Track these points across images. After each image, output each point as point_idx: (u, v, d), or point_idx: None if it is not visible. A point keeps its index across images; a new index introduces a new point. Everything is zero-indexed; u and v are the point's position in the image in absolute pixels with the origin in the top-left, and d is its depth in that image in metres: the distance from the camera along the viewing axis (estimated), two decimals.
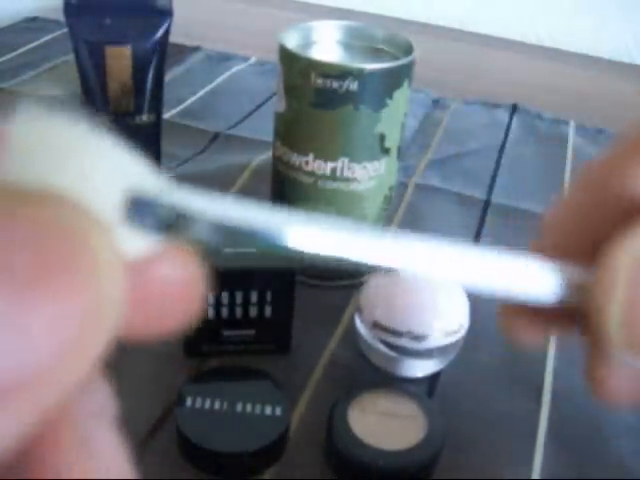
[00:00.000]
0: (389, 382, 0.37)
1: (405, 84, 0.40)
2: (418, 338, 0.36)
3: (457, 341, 0.37)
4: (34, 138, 0.11)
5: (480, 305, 0.43)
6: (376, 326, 0.37)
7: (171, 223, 0.13)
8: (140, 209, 0.12)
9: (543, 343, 0.19)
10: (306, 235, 0.15)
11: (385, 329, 0.36)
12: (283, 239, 0.14)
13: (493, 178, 0.60)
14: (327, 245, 0.15)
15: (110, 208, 0.12)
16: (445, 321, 0.36)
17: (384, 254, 0.15)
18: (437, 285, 0.37)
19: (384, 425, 0.33)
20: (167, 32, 0.39)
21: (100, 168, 0.12)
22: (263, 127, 0.61)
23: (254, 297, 0.37)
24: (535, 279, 0.17)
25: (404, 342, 0.36)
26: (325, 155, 0.40)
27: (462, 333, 0.38)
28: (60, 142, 0.12)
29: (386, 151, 0.41)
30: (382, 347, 0.37)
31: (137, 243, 0.12)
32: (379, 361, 0.38)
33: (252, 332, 0.38)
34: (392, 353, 0.37)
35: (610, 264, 0.16)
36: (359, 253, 0.15)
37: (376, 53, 0.42)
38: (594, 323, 0.16)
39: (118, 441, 0.14)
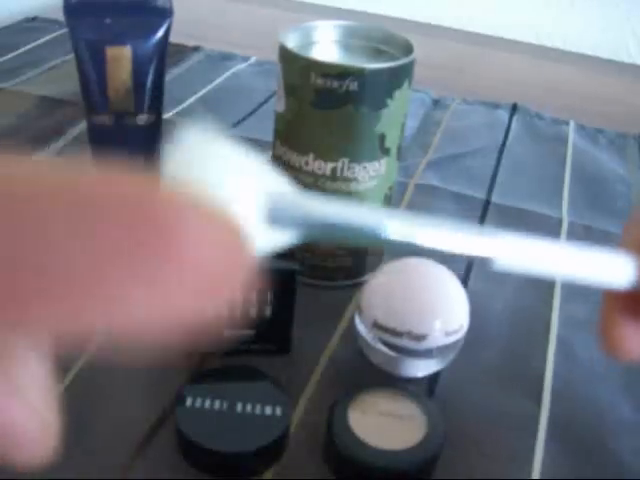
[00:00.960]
0: (389, 382, 0.37)
1: (405, 84, 0.40)
2: (418, 338, 0.36)
3: (457, 341, 0.37)
4: (193, 155, 0.14)
5: (480, 305, 0.43)
6: (376, 326, 0.37)
7: (299, 223, 0.16)
8: (274, 211, 0.15)
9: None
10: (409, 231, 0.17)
11: (385, 329, 0.36)
12: (386, 233, 0.17)
13: (493, 178, 0.60)
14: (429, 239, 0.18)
15: (253, 209, 0.15)
16: (445, 321, 0.36)
17: (482, 247, 0.18)
18: (437, 285, 0.37)
19: (384, 425, 0.33)
20: (167, 32, 0.39)
21: (246, 178, 0.15)
22: (263, 127, 0.61)
23: (254, 297, 0.37)
24: (613, 267, 0.20)
25: (404, 342, 0.36)
26: (325, 155, 0.40)
27: (462, 333, 0.38)
28: (214, 159, 0.15)
29: (386, 151, 0.41)
30: (382, 347, 0.37)
31: (271, 240, 0.15)
32: (379, 361, 0.38)
33: (252, 332, 0.38)
34: (392, 353, 0.37)
35: None
36: (459, 246, 0.18)
37: (376, 53, 0.42)
38: None
39: (44, 377, 0.14)
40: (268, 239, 0.15)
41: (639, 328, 0.20)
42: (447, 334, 0.36)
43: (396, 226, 0.17)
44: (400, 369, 0.38)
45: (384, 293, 0.37)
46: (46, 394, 0.15)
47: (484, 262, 0.18)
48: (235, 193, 0.14)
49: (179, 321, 0.13)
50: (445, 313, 0.37)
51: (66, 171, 0.13)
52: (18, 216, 0.12)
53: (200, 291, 0.13)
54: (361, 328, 0.38)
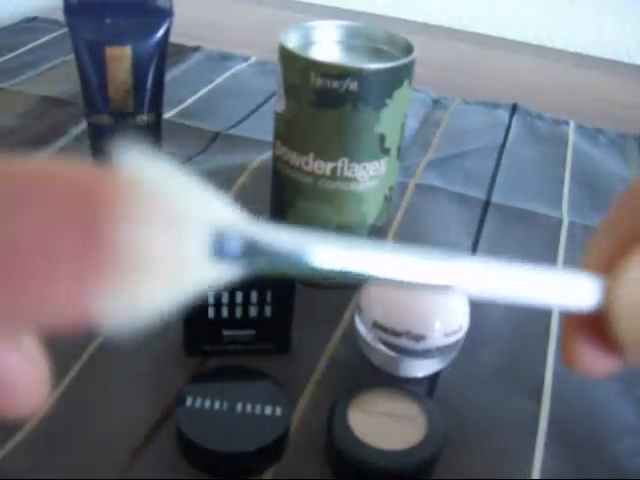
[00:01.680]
0: (389, 382, 0.37)
1: (405, 84, 0.40)
2: (418, 338, 0.36)
3: (457, 341, 0.37)
4: (137, 176, 0.13)
5: (480, 305, 0.43)
6: (376, 326, 0.37)
7: (245, 253, 0.15)
8: (220, 241, 0.14)
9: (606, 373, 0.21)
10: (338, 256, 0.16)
11: (385, 329, 0.36)
12: (312, 259, 0.16)
13: (493, 178, 0.60)
14: (358, 264, 0.16)
15: (198, 240, 0.14)
16: (445, 321, 0.36)
17: (424, 274, 0.17)
18: None
19: (384, 425, 0.33)
20: (167, 32, 0.39)
21: (189, 205, 0.14)
22: (263, 127, 0.61)
23: (254, 297, 0.37)
24: (572, 288, 0.19)
25: (404, 342, 0.36)
26: (325, 155, 0.40)
27: (462, 333, 0.38)
28: (157, 183, 0.14)
29: (386, 151, 0.41)
30: (382, 347, 0.37)
31: (217, 273, 0.14)
32: (379, 361, 0.38)
33: (252, 332, 0.38)
34: (392, 353, 0.37)
35: (620, 273, 0.18)
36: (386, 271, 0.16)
37: (376, 53, 0.42)
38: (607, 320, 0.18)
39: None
40: (211, 273, 0.14)
41: (597, 348, 0.20)
42: (447, 334, 0.36)
43: (326, 253, 0.16)
44: (400, 369, 0.38)
45: (384, 293, 0.37)
46: (37, 346, 0.15)
47: (441, 290, 0.17)
48: (177, 228, 0.14)
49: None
50: (445, 313, 0.37)
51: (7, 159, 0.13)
52: None
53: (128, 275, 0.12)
54: (361, 328, 0.38)
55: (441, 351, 0.37)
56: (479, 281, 0.17)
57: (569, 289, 0.18)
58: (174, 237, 0.13)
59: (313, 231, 0.16)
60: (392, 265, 0.16)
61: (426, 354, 0.37)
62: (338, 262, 0.16)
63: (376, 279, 0.16)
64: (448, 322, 0.37)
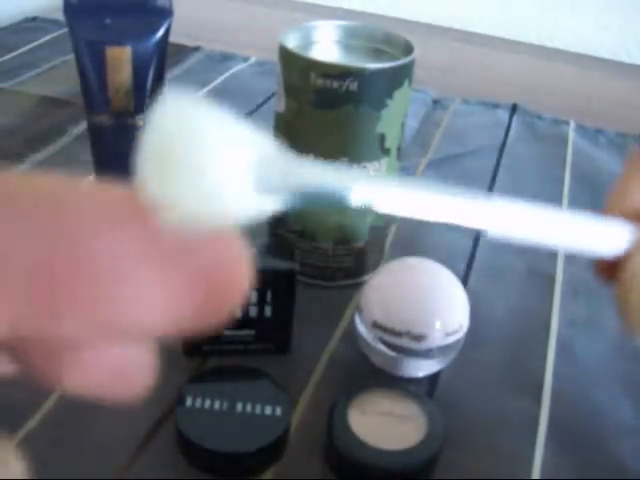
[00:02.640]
0: (389, 382, 0.37)
1: (405, 84, 0.40)
2: (418, 338, 0.36)
3: (457, 341, 0.37)
4: (174, 121, 0.14)
5: (480, 305, 0.43)
6: (376, 326, 0.37)
7: (284, 186, 0.15)
8: (262, 176, 0.15)
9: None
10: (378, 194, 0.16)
11: (385, 329, 0.36)
12: (350, 195, 0.16)
13: (493, 178, 0.60)
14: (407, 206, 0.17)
15: (240, 175, 0.14)
16: (445, 321, 0.36)
17: (462, 214, 0.18)
18: (437, 285, 0.37)
19: (384, 425, 0.33)
20: (167, 32, 0.39)
21: (230, 142, 0.14)
22: (263, 127, 0.61)
23: (254, 297, 0.37)
24: (606, 235, 0.20)
25: (404, 342, 0.36)
26: (325, 155, 0.40)
27: (462, 333, 0.38)
28: (196, 123, 0.14)
29: (386, 151, 0.41)
30: (382, 347, 0.37)
31: (261, 205, 0.15)
32: (379, 361, 0.38)
33: (252, 332, 0.38)
34: (392, 353, 0.37)
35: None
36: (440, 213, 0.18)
37: (376, 53, 0.42)
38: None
39: None
40: (255, 206, 0.15)
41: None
42: (447, 334, 0.36)
43: (364, 189, 0.16)
44: (400, 369, 0.38)
45: (384, 293, 0.37)
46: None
47: (477, 231, 0.18)
48: (218, 167, 0.14)
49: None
50: (445, 313, 0.37)
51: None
52: None
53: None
54: (361, 328, 0.38)
55: (441, 351, 0.37)
56: (515, 224, 0.18)
57: (601, 234, 0.20)
58: (217, 170, 0.14)
59: (351, 169, 0.16)
60: (426, 203, 0.17)
61: (426, 354, 0.37)
62: (374, 198, 0.16)
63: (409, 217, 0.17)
64: (448, 322, 0.37)
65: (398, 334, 0.36)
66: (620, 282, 0.20)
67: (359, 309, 0.38)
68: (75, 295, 0.12)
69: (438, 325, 0.36)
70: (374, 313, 0.37)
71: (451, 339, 0.37)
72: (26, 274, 0.12)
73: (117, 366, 0.15)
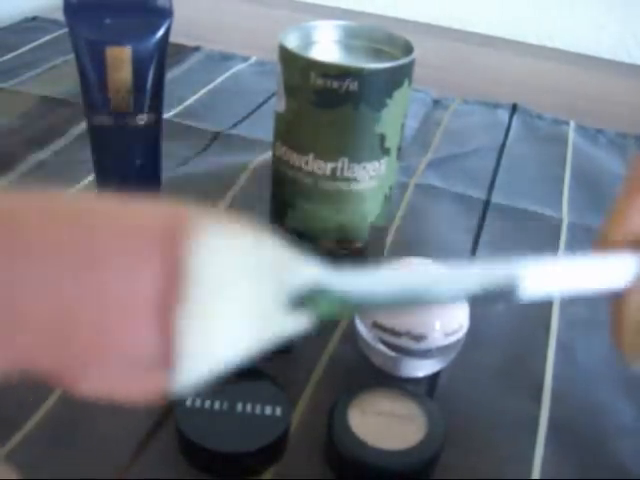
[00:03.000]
0: (389, 382, 0.37)
1: (405, 84, 0.40)
2: (418, 338, 0.36)
3: (457, 341, 0.37)
4: (216, 242, 0.14)
5: (479, 305, 0.43)
6: (376, 326, 0.37)
7: (316, 301, 0.15)
8: (295, 290, 0.15)
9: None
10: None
11: (385, 329, 0.36)
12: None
13: (493, 178, 0.60)
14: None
15: (276, 295, 0.15)
16: (445, 321, 0.36)
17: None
18: None
19: (384, 425, 0.33)
20: (167, 32, 0.39)
21: (267, 263, 0.15)
22: (263, 127, 0.61)
23: None
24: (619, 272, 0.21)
25: (404, 342, 0.36)
26: (325, 155, 0.40)
27: (462, 333, 0.38)
28: (236, 243, 0.15)
29: (386, 151, 0.41)
30: (382, 347, 0.37)
31: (294, 324, 0.15)
32: (379, 361, 0.38)
33: None
34: (392, 353, 0.37)
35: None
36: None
37: (376, 53, 0.42)
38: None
39: None
40: (287, 321, 0.15)
41: None
42: (447, 334, 0.36)
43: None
44: (400, 369, 0.38)
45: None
46: None
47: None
48: (255, 280, 0.14)
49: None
50: (445, 313, 0.37)
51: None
52: None
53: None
54: (361, 328, 0.38)
55: (441, 351, 0.37)
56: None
57: (606, 272, 0.20)
58: (250, 285, 0.14)
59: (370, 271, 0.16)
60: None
61: (426, 354, 0.37)
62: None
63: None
64: (448, 322, 0.37)
65: (398, 334, 0.36)
66: (618, 315, 0.20)
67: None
68: (94, 339, 0.12)
69: (438, 325, 0.36)
70: (374, 313, 0.37)
71: (451, 339, 0.37)
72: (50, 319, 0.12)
73: (123, 377, 0.15)
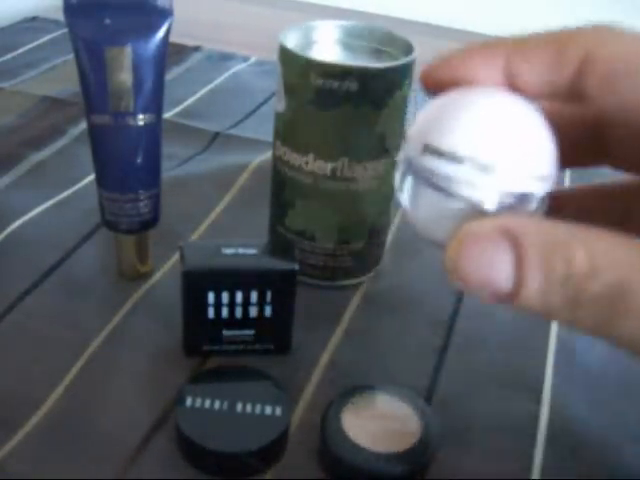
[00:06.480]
0: (383, 385, 0.37)
1: (405, 84, 0.40)
2: (486, 168, 0.22)
3: (542, 197, 0.23)
4: None
5: (480, 305, 0.43)
6: (428, 150, 0.23)
7: None
8: None
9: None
10: None
11: (440, 153, 0.23)
12: None
13: None
14: None
15: None
16: (529, 157, 0.23)
17: None
18: (521, 117, 0.23)
19: (378, 428, 0.33)
20: (167, 32, 0.39)
21: None
22: (263, 127, 0.61)
23: (254, 297, 0.37)
24: None
25: (466, 173, 0.22)
26: (325, 155, 0.40)
27: (548, 187, 0.23)
28: None
29: (386, 151, 0.41)
30: (430, 186, 0.23)
31: None
32: (422, 217, 0.24)
33: (252, 332, 0.38)
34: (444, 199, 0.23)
35: None
36: None
37: (376, 53, 0.42)
38: None
39: None
40: None
41: None
42: (534, 177, 0.23)
43: None
44: (447, 229, 0.23)
45: (441, 111, 0.24)
46: None
47: None
48: None
49: None
50: (530, 148, 0.23)
51: None
52: None
53: None
54: (404, 163, 0.24)
55: (518, 201, 0.23)
56: None
57: None
58: None
59: None
60: None
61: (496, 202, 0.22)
62: None
63: None
64: (534, 160, 0.23)
65: (459, 160, 0.22)
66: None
67: (407, 137, 0.25)
68: None
69: (520, 157, 0.22)
70: (426, 134, 0.23)
71: (535, 187, 0.23)
72: None
73: None
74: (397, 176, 0.25)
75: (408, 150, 0.24)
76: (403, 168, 0.25)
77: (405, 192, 0.25)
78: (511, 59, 0.24)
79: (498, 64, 0.24)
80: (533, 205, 0.23)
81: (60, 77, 0.70)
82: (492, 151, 0.22)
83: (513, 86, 0.24)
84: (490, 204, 0.22)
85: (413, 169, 0.24)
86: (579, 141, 0.28)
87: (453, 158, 0.23)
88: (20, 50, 0.76)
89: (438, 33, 0.93)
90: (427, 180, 0.23)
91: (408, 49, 0.41)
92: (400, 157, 0.25)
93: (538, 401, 0.38)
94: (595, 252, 0.20)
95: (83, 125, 0.60)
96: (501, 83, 0.24)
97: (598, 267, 0.19)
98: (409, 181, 0.24)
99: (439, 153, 0.23)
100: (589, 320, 0.20)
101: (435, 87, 0.25)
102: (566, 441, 0.36)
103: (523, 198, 0.23)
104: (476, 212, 0.22)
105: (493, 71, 0.24)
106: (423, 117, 0.24)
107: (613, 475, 0.35)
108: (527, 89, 0.24)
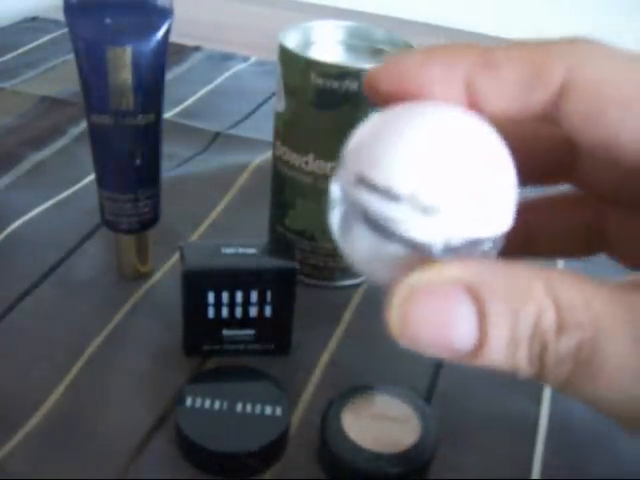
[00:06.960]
0: (383, 384, 0.37)
1: None
2: (426, 210, 0.18)
3: (495, 240, 0.19)
4: None
5: None
6: (362, 183, 0.19)
7: None
8: None
9: None
10: None
11: (375, 188, 0.19)
12: None
13: None
14: None
15: None
16: (483, 198, 0.19)
17: None
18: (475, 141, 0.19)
19: (377, 428, 0.33)
20: (167, 32, 0.39)
21: None
22: (263, 127, 0.61)
23: (254, 297, 0.37)
24: None
25: (403, 213, 0.18)
26: (325, 155, 0.40)
27: (500, 235, 0.20)
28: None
29: None
30: (363, 226, 0.19)
31: None
32: (356, 254, 0.20)
33: (252, 332, 0.38)
34: (376, 237, 0.19)
35: None
36: None
37: (376, 53, 0.42)
38: None
39: None
40: None
41: None
42: (486, 220, 0.19)
43: None
44: (382, 273, 0.20)
45: (380, 135, 0.20)
46: None
47: None
48: None
49: None
50: (482, 186, 0.19)
51: None
52: None
53: None
54: (335, 190, 0.21)
55: (463, 250, 0.19)
56: None
57: None
58: None
59: None
60: None
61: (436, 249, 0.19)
62: None
63: None
64: (491, 200, 0.19)
65: (395, 197, 0.19)
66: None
67: (340, 162, 0.22)
68: None
69: (470, 197, 0.18)
70: (360, 162, 0.20)
71: (487, 231, 0.19)
72: None
73: None
74: (329, 202, 0.21)
75: (340, 176, 0.21)
76: (335, 196, 0.21)
77: (335, 224, 0.21)
78: (477, 72, 0.20)
79: (459, 77, 0.20)
80: (486, 246, 0.19)
81: (60, 77, 0.70)
82: (435, 190, 0.18)
83: (474, 104, 0.20)
84: (435, 248, 0.19)
85: (347, 200, 0.20)
86: (543, 162, 0.25)
87: (389, 196, 0.19)
88: (20, 50, 0.76)
89: (438, 33, 0.93)
90: (361, 215, 0.19)
91: (408, 49, 0.40)
92: (331, 183, 0.21)
93: (538, 401, 0.38)
94: (564, 303, 0.17)
95: (83, 125, 0.60)
96: (460, 101, 0.20)
97: (567, 322, 0.17)
98: (341, 212, 0.20)
99: (373, 188, 0.19)
100: (559, 378, 0.18)
101: (379, 99, 0.21)
102: (565, 441, 0.36)
103: (474, 241, 0.19)
104: (419, 256, 0.19)
105: (453, 86, 0.20)
106: (359, 138, 0.21)
107: (612, 475, 0.35)
108: (491, 109, 0.20)
